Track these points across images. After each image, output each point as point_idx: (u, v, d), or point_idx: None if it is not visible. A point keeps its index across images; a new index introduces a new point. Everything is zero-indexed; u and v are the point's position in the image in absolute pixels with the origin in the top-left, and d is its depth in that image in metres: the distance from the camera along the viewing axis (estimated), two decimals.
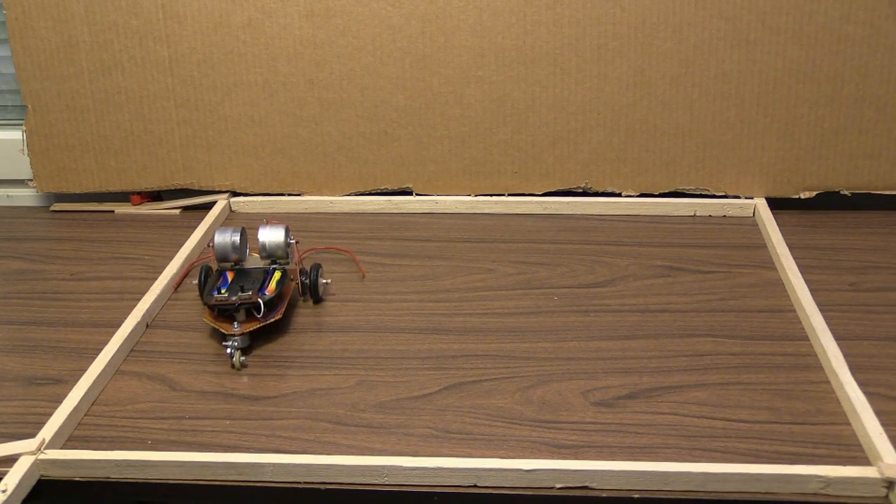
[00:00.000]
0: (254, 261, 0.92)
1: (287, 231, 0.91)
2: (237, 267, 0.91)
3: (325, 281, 0.93)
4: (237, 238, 0.89)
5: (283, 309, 0.87)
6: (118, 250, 1.06)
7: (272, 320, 0.86)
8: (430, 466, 0.69)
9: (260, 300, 0.84)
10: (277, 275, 0.89)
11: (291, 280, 0.92)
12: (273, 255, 0.91)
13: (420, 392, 0.79)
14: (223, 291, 0.86)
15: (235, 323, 0.84)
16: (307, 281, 0.93)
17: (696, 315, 0.89)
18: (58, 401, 0.77)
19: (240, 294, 0.85)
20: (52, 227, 1.14)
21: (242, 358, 0.83)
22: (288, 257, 0.91)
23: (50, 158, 1.14)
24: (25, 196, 1.20)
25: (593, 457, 0.71)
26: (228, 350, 0.83)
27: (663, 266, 0.98)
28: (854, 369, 0.78)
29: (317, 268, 0.93)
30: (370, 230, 1.08)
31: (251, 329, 0.84)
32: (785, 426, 0.73)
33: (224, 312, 0.85)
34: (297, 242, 0.92)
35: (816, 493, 0.67)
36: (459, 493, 0.69)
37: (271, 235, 0.90)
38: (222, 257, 0.90)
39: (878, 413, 0.72)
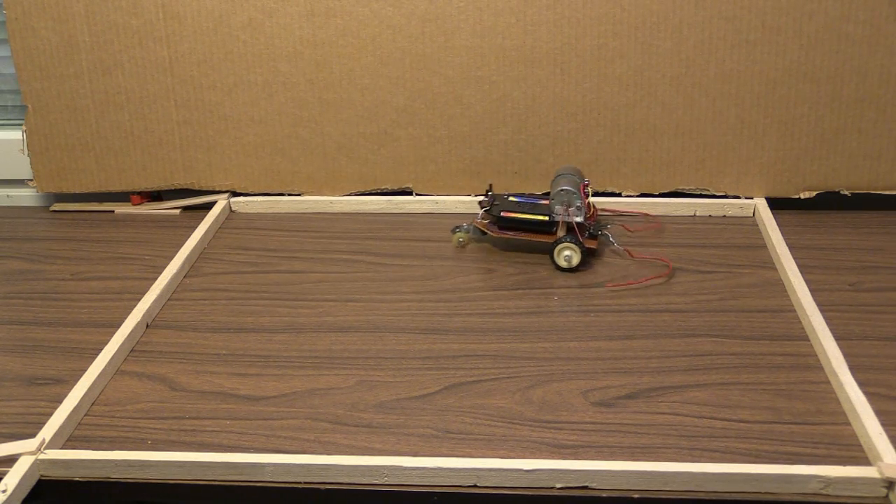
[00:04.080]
0: (575, 214, 0.97)
1: (563, 193, 0.96)
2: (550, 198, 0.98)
3: (568, 253, 0.96)
4: (577, 187, 0.96)
5: (507, 236, 1.00)
6: (118, 250, 1.06)
7: (485, 231, 1.01)
8: (430, 466, 0.69)
9: (490, 215, 1.01)
10: (537, 217, 0.98)
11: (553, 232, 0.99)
12: (553, 200, 0.97)
13: (420, 392, 0.79)
14: (513, 200, 1.02)
15: (481, 214, 1.02)
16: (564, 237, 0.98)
17: (696, 315, 0.89)
18: (58, 401, 0.77)
19: (498, 205, 1.01)
20: (52, 227, 1.14)
21: (461, 240, 1.03)
22: (551, 211, 0.98)
23: (50, 158, 1.14)
24: (25, 196, 1.20)
25: (593, 457, 0.71)
26: (463, 226, 1.03)
27: (663, 266, 0.98)
28: (854, 369, 0.78)
29: (569, 239, 0.96)
30: (370, 230, 1.08)
31: (475, 224, 1.02)
32: (785, 426, 0.73)
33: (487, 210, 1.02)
34: (571, 208, 0.96)
35: (816, 493, 0.67)
36: (459, 493, 0.69)
37: (561, 184, 0.97)
38: (558, 184, 0.97)
39: (878, 413, 0.72)
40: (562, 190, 0.96)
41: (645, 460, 0.70)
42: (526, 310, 0.91)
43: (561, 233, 0.98)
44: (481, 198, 1.04)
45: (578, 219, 0.96)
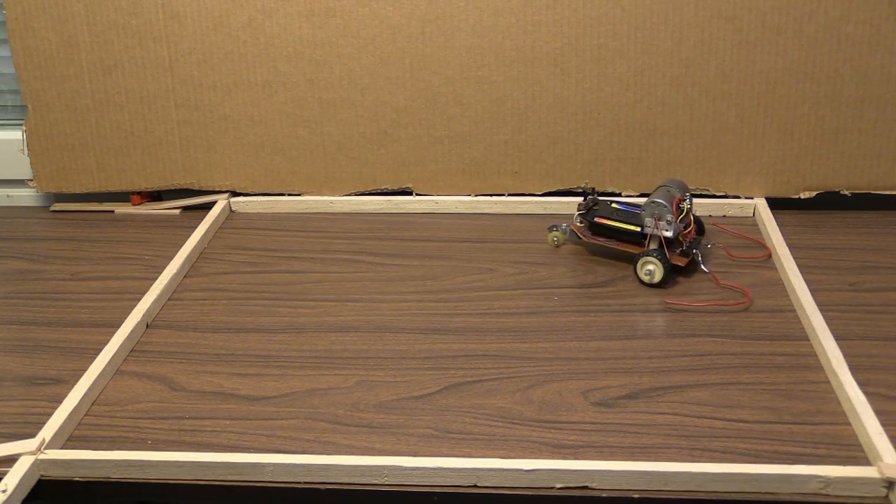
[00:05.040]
0: (665, 228, 0.94)
1: (654, 205, 0.93)
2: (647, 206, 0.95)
3: (650, 268, 0.93)
4: (670, 201, 0.93)
5: (598, 242, 0.99)
6: (118, 250, 1.06)
7: (579, 236, 1.00)
8: (430, 466, 0.69)
9: (584, 220, 1.00)
10: (628, 226, 0.96)
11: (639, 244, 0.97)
12: (645, 212, 0.95)
13: (420, 392, 0.79)
14: (615, 206, 1.00)
15: (577, 217, 1.01)
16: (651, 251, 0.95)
17: (696, 315, 0.89)
18: (58, 401, 0.77)
19: (594, 210, 1.00)
20: (52, 227, 1.14)
21: (556, 239, 1.02)
22: (642, 222, 0.95)
23: (50, 158, 1.14)
24: (25, 196, 1.20)
25: (593, 457, 0.71)
26: (560, 226, 1.02)
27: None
28: (854, 369, 0.78)
29: (654, 253, 0.93)
30: (370, 230, 1.08)
31: (571, 226, 1.01)
32: (785, 426, 0.73)
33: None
34: (661, 221, 0.93)
35: (816, 493, 0.67)
36: (459, 493, 0.69)
37: (654, 196, 0.95)
38: (653, 195, 0.95)
39: (878, 413, 0.72)
40: (654, 202, 0.93)
41: (645, 460, 0.70)
42: (526, 310, 0.91)
43: (651, 246, 0.95)
44: (580, 200, 1.01)
45: (668, 233, 0.93)
